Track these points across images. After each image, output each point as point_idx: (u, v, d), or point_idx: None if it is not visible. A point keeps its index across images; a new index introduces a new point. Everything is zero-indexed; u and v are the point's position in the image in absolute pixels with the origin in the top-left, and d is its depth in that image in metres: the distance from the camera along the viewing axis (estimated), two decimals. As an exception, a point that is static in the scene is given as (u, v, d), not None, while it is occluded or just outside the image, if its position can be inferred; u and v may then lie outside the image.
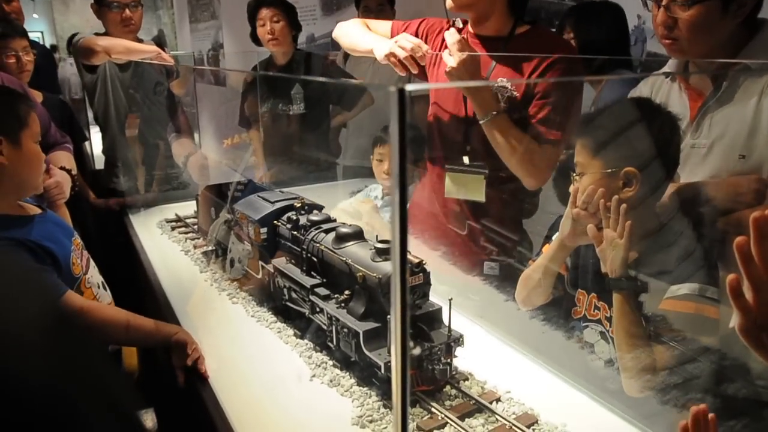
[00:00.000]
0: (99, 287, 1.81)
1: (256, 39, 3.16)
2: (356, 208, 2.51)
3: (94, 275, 1.82)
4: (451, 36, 1.71)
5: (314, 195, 2.01)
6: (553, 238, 1.63)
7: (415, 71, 1.87)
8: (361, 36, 2.08)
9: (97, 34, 2.95)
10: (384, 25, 2.12)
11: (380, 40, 1.97)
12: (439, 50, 1.92)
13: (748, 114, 1.43)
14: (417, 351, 1.34)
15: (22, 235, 1.57)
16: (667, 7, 1.45)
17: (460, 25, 1.82)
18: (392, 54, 1.83)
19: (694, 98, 1.56)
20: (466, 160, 1.88)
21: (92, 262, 1.87)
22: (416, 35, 1.99)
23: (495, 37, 1.87)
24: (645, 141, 1.43)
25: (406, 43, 1.83)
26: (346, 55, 3.40)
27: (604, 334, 1.54)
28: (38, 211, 1.73)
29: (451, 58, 1.70)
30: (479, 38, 1.89)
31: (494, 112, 1.75)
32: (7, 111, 1.61)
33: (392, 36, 2.03)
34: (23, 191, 1.69)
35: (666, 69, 1.63)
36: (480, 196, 1.87)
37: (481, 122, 1.77)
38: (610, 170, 1.42)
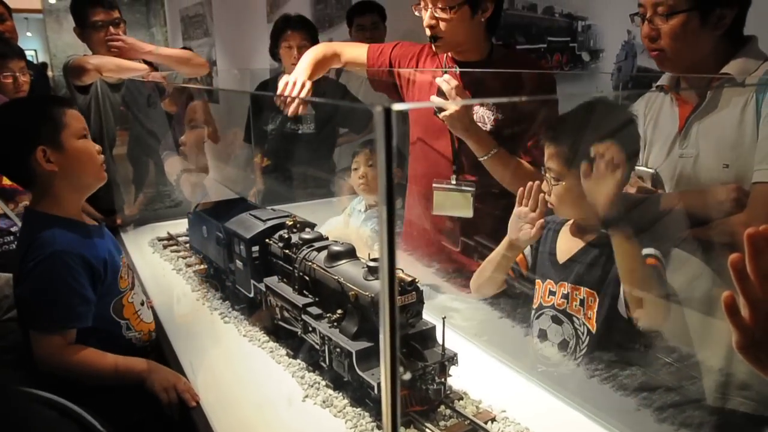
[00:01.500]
0: (141, 305, 1.84)
1: (274, 54, 3.22)
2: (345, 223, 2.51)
3: (138, 293, 1.86)
4: (447, 84, 1.78)
5: (309, 212, 2.00)
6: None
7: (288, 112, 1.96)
8: None
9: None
10: (360, 49, 2.18)
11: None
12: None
13: (732, 125, 1.46)
14: (407, 376, 1.32)
15: (81, 249, 1.62)
16: (650, 20, 1.50)
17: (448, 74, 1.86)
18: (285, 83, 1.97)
19: (683, 108, 1.58)
20: (453, 179, 1.95)
21: (138, 282, 1.92)
22: (389, 59, 2.09)
23: (474, 62, 1.95)
24: (597, 136, 1.48)
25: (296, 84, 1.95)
26: (339, 71, 3.40)
27: (556, 317, 1.58)
28: (95, 223, 1.79)
29: (445, 103, 1.80)
30: (458, 63, 1.97)
31: (494, 150, 1.82)
32: (42, 118, 1.63)
33: (369, 60, 2.12)
34: (84, 189, 1.74)
35: (660, 82, 1.65)
36: (468, 213, 1.93)
37: (481, 159, 1.84)
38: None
